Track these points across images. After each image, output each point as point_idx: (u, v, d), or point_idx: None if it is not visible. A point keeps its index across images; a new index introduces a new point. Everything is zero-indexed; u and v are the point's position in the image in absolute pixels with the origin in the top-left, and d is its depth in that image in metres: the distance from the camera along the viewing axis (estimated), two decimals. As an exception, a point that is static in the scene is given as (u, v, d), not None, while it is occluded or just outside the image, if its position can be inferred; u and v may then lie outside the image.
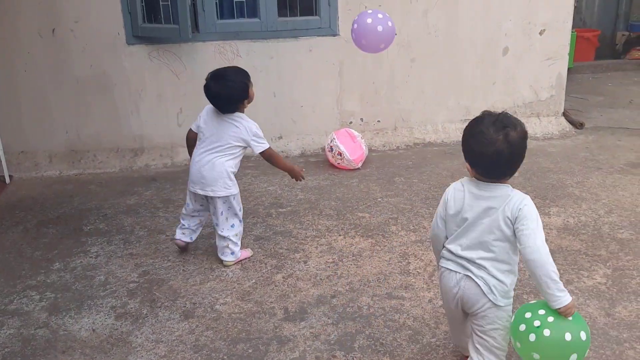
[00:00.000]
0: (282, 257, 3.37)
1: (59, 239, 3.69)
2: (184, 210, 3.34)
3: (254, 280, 3.14)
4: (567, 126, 5.61)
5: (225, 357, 2.54)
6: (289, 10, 4.95)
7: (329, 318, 2.79)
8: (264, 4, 4.79)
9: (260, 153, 3.21)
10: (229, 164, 3.16)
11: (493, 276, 2.05)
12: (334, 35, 4.97)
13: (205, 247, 3.49)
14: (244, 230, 3.53)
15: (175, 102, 4.94)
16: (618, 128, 5.66)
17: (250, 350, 2.57)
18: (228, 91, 3.09)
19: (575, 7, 5.49)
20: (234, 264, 3.27)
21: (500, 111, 2.03)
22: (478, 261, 2.05)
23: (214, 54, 4.85)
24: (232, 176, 3.19)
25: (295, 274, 3.20)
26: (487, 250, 2.04)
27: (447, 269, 2.13)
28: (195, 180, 3.17)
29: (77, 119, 4.88)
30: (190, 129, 3.31)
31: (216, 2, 4.76)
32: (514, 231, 1.99)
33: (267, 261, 3.34)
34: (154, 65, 4.81)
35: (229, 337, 2.67)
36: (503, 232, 2.01)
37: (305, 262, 3.31)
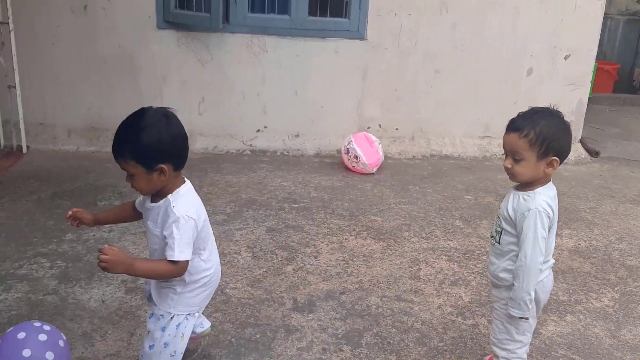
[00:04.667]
0: (293, 250, 3.39)
1: (73, 211, 3.71)
2: None
3: (264, 269, 3.15)
4: (583, 153, 5.62)
5: (233, 340, 2.55)
6: (319, 9, 4.99)
7: (337, 313, 2.80)
8: (296, 2, 4.83)
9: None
10: None
11: None
12: (362, 39, 5.00)
13: (218, 233, 3.51)
14: (256, 219, 3.54)
15: (198, 90, 4.97)
16: (632, 160, 5.67)
17: (257, 336, 2.58)
18: None
19: (599, 37, 5.52)
20: None
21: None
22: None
23: (241, 47, 4.89)
24: None
25: (306, 267, 3.21)
26: None
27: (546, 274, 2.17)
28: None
29: (99, 98, 4.92)
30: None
31: (249, -5, 4.81)
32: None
33: (278, 252, 3.35)
34: (182, 51, 4.85)
35: (238, 321, 2.68)
36: None
37: (315, 257, 3.32)
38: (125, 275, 2.97)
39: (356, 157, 4.66)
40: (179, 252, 1.90)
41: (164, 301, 2.06)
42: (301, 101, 5.11)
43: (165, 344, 2.05)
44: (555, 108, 2.08)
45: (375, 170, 4.73)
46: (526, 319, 2.12)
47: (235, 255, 3.27)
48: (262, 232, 3.58)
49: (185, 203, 1.96)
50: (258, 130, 5.12)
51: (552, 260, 2.19)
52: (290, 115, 5.13)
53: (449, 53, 5.16)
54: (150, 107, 1.96)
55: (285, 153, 5.08)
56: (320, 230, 3.68)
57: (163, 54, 4.85)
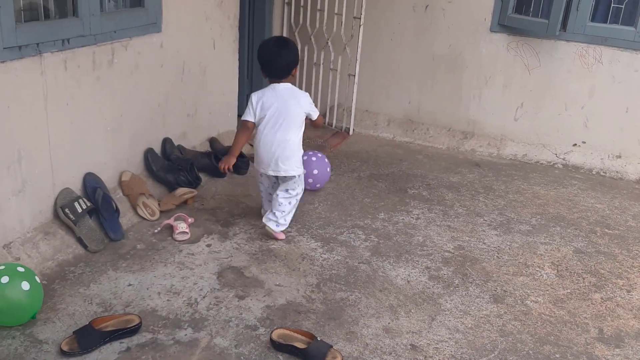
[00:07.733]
0: (603, 278, 3.16)
1: (386, 193, 4.04)
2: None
3: (569, 290, 3.01)
4: None
5: (530, 352, 2.51)
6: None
7: (649, 357, 2.55)
8: (647, 13, 4.40)
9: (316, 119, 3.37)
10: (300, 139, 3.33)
11: None
12: None
13: (522, 243, 3.46)
14: (563, 237, 3.39)
15: (518, 95, 4.91)
16: None
17: (557, 355, 2.50)
18: (293, 57, 3.24)
19: None
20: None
21: None
22: None
23: (574, 56, 4.65)
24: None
25: (616, 299, 2.97)
26: None
27: None
28: (267, 161, 3.24)
29: (421, 93, 5.22)
30: (248, 121, 3.21)
31: (592, 3, 4.53)
32: None
33: (585, 276, 3.16)
34: (509, 56, 4.84)
35: (537, 335, 2.63)
36: None
37: (628, 291, 3.05)
38: (429, 262, 3.17)
39: (690, 191, 4.09)
40: (243, 115, 3.22)
41: None
42: (631, 120, 4.66)
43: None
44: None
45: None
46: None
47: (538, 269, 3.19)
48: (569, 252, 3.41)
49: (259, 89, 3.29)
50: (575, 145, 4.85)
51: None
52: (615, 133, 4.72)
53: None
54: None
55: (602, 173, 4.71)
56: (636, 263, 3.35)
57: (490, 57, 4.90)
